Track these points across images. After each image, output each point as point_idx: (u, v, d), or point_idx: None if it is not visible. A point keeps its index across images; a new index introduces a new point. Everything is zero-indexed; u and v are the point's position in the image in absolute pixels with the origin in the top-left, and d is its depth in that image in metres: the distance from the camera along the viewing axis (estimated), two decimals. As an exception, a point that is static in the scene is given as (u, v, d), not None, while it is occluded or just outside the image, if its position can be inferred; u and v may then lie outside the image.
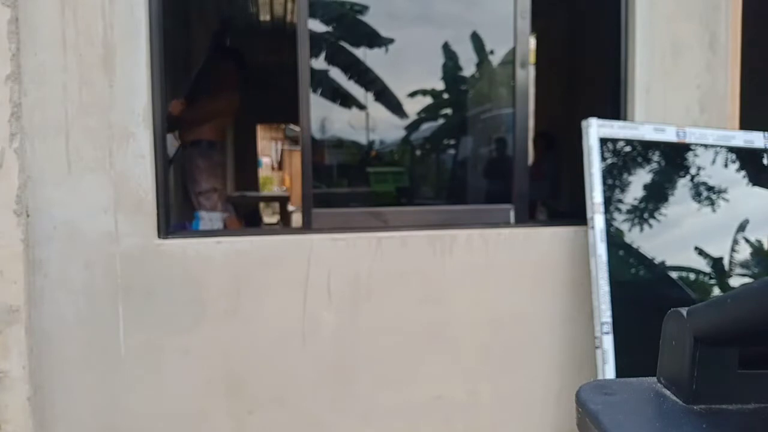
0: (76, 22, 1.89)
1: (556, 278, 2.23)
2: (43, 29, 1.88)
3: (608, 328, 2.01)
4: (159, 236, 1.96)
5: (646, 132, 2.19)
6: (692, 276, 2.21)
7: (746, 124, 2.52)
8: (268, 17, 5.66)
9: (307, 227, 2.15)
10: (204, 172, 3.34)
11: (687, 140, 2.25)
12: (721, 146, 2.29)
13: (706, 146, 2.27)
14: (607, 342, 2.00)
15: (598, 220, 2.07)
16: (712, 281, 2.22)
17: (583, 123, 2.14)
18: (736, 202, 2.28)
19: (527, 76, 2.32)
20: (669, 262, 2.19)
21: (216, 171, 3.48)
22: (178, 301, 1.98)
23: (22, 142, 1.89)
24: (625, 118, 2.36)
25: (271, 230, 3.65)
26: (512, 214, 2.30)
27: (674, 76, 2.35)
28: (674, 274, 2.19)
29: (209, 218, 3.32)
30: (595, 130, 2.12)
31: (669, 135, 2.22)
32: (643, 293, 2.15)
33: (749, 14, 2.49)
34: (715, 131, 2.29)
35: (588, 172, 2.10)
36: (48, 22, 1.88)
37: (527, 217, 2.33)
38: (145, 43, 1.92)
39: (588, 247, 2.09)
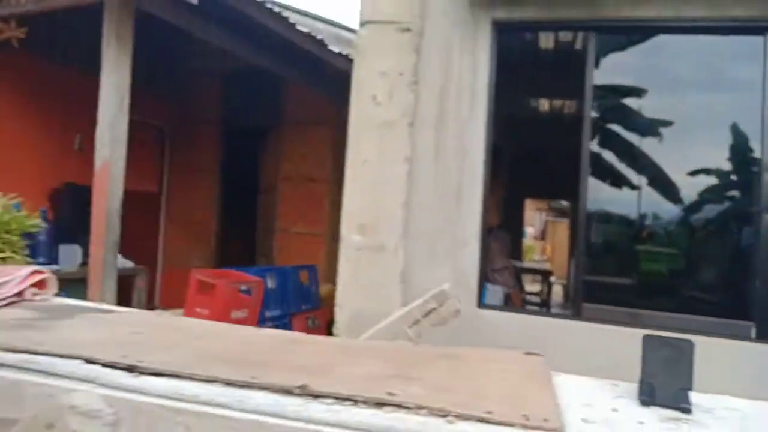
0: (437, 174, 3.17)
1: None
2: (423, 177, 3.22)
3: None
4: (478, 306, 3.06)
5: None
6: None
7: None
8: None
9: (575, 316, 2.97)
10: (497, 253, 4.45)
11: None
12: None
13: None
14: None
15: None
16: None
17: None
18: None
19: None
20: None
21: (505, 251, 4.57)
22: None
23: (405, 241, 3.25)
24: None
25: (548, 314, 4.45)
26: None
27: None
28: None
29: (493, 290, 4.39)
30: None
31: None
32: None
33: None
34: None
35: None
36: (424, 174, 3.21)
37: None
38: (481, 187, 3.09)
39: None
